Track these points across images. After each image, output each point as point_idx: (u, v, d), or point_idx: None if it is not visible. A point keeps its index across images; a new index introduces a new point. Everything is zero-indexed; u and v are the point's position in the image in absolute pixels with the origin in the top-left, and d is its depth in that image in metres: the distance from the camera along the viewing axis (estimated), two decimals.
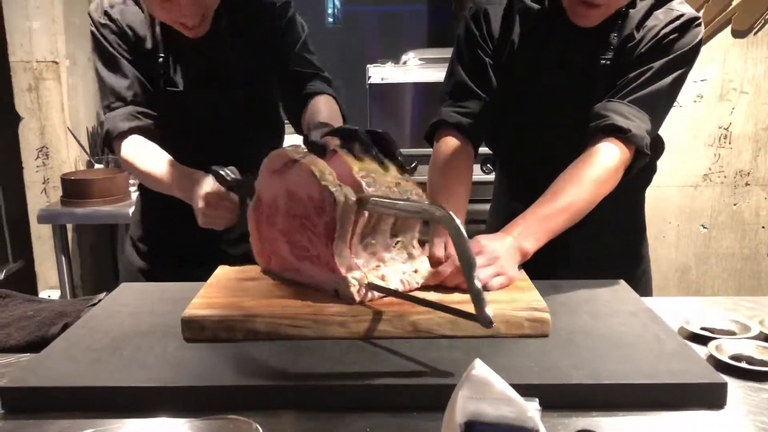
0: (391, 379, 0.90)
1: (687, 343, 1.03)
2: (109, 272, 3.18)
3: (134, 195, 2.70)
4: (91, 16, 1.49)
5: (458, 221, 0.90)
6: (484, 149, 1.54)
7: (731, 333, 1.10)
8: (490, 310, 0.90)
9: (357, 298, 1.05)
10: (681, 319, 1.14)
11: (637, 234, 1.52)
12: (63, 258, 2.70)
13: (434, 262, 1.14)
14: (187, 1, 1.34)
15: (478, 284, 0.90)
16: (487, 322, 0.91)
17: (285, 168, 1.12)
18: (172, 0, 1.33)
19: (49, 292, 2.80)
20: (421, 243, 1.17)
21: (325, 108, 1.43)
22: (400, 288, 1.08)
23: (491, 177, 1.63)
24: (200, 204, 1.27)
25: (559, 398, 0.87)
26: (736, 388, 0.93)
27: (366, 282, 1.05)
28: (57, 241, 2.70)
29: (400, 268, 1.12)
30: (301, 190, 1.08)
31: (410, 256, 1.14)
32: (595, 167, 1.23)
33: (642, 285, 1.45)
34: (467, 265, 0.89)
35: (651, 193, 1.53)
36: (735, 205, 2.71)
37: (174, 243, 1.59)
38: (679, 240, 2.73)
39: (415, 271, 1.12)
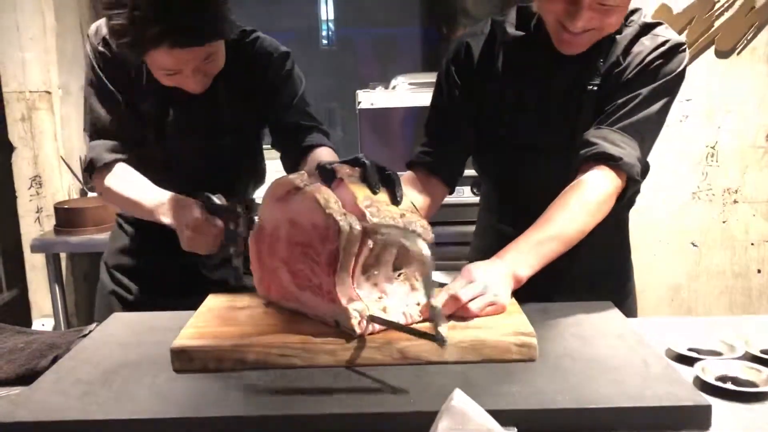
0: (378, 407, 0.91)
1: (673, 364, 1.04)
2: None
3: None
4: (89, 39, 1.48)
5: (424, 246, 1.01)
6: (469, 171, 1.56)
7: (717, 353, 1.11)
8: (444, 329, 0.96)
9: (358, 330, 1.03)
10: (668, 340, 1.15)
11: (622, 254, 1.54)
12: (56, 287, 2.70)
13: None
14: (194, 76, 1.36)
15: (435, 303, 0.98)
16: (441, 340, 0.95)
17: (288, 195, 1.11)
18: (179, 74, 1.35)
19: (43, 320, 2.79)
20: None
21: (327, 158, 1.42)
22: (402, 321, 1.07)
23: (476, 199, 1.65)
24: (185, 228, 1.29)
25: (545, 423, 0.88)
26: (722, 409, 0.93)
27: (367, 314, 1.04)
28: (50, 269, 2.70)
29: (403, 301, 1.10)
30: (305, 218, 1.07)
31: (413, 289, 1.13)
32: (587, 195, 1.24)
33: (627, 305, 1.46)
34: (428, 287, 1.02)
35: (641, 212, 1.55)
36: (724, 222, 2.73)
37: (154, 268, 1.60)
38: (669, 258, 2.74)
39: (417, 304, 1.11)
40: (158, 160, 1.50)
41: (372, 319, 1.05)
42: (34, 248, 2.65)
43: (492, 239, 1.52)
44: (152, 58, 1.32)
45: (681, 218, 2.71)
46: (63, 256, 2.86)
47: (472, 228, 1.68)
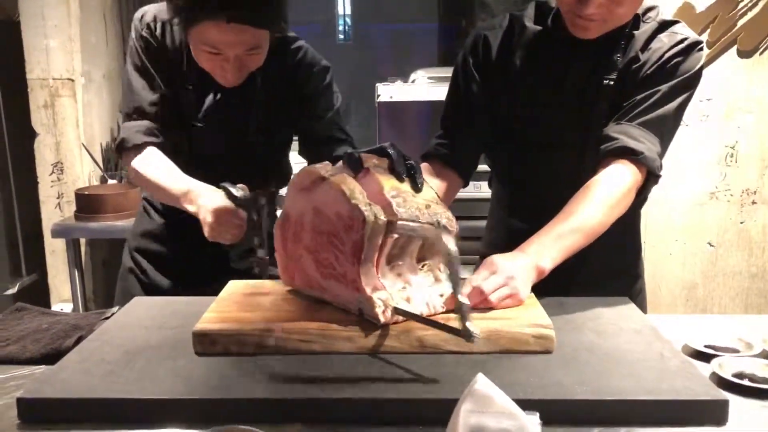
0: (396, 394, 0.92)
1: (690, 360, 1.04)
2: None
3: None
4: (134, 24, 1.51)
5: (451, 242, 0.99)
6: (486, 167, 1.57)
7: (735, 351, 1.12)
8: (472, 325, 0.94)
9: (382, 319, 1.04)
10: (685, 337, 1.15)
11: (633, 252, 1.54)
12: (76, 272, 2.73)
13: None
14: (233, 64, 1.38)
15: (463, 299, 0.96)
16: (468, 335, 0.95)
17: (313, 185, 1.12)
18: (220, 55, 1.37)
19: (62, 305, 2.83)
20: None
21: None
22: (425, 311, 1.08)
23: (486, 194, 1.65)
24: (209, 218, 1.31)
25: (563, 414, 0.88)
26: (738, 405, 0.94)
27: (391, 303, 1.05)
28: (70, 255, 2.73)
29: (426, 292, 1.11)
30: (330, 207, 1.08)
31: (436, 280, 1.13)
32: (608, 188, 1.25)
33: (638, 303, 1.46)
34: (455, 282, 0.99)
35: (657, 211, 1.55)
36: (742, 223, 2.71)
37: (176, 254, 1.62)
38: (686, 258, 2.73)
39: (441, 296, 1.12)
40: (188, 148, 1.52)
41: (396, 311, 1.05)
42: (55, 233, 2.69)
43: (503, 234, 1.53)
44: (200, 32, 1.35)
45: (698, 218, 2.70)
46: (82, 242, 2.89)
47: (480, 223, 1.68)
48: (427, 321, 1.04)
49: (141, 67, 1.50)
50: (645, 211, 1.43)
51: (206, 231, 1.32)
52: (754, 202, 2.69)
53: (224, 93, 1.49)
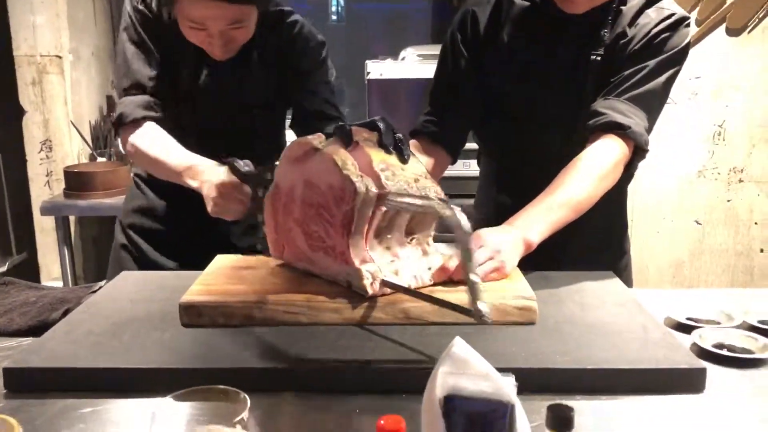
0: (381, 363, 0.93)
1: (671, 331, 1.06)
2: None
3: None
4: None
5: (464, 218, 0.95)
6: (475, 145, 1.58)
7: (716, 323, 1.13)
8: (483, 305, 0.93)
9: (370, 291, 1.05)
10: (668, 310, 1.17)
11: (619, 228, 1.55)
12: (65, 250, 2.73)
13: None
14: (219, 38, 1.37)
15: (475, 278, 0.93)
16: (479, 315, 0.94)
17: (305, 156, 1.11)
18: (204, 30, 1.36)
19: (52, 283, 2.83)
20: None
21: None
22: (413, 284, 1.09)
23: (475, 172, 1.66)
24: (213, 193, 1.28)
25: (545, 383, 0.90)
26: (718, 374, 0.96)
27: (380, 275, 1.06)
28: (60, 233, 2.73)
29: (414, 265, 1.12)
30: (321, 179, 1.08)
31: (424, 253, 1.14)
32: (596, 163, 1.26)
33: (624, 278, 1.48)
34: (468, 259, 0.94)
35: (645, 189, 1.55)
36: (729, 201, 2.73)
37: (169, 230, 1.61)
38: (673, 235, 2.75)
39: (429, 269, 1.12)
40: (185, 122, 1.51)
41: (384, 284, 1.06)
42: (44, 211, 2.68)
43: (491, 211, 1.54)
44: (184, 8, 1.34)
45: (686, 196, 2.72)
46: (72, 219, 2.89)
47: (468, 201, 1.69)
48: (438, 301, 1.04)
49: (138, 41, 1.47)
50: (633, 189, 1.45)
51: (209, 206, 1.30)
52: (741, 180, 2.71)
53: (219, 67, 1.48)
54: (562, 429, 0.56)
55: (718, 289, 1.28)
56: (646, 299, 1.18)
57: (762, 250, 2.75)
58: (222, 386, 0.56)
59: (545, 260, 1.23)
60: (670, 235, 2.74)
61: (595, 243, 1.46)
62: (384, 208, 1.06)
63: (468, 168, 2.31)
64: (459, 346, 0.59)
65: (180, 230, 1.60)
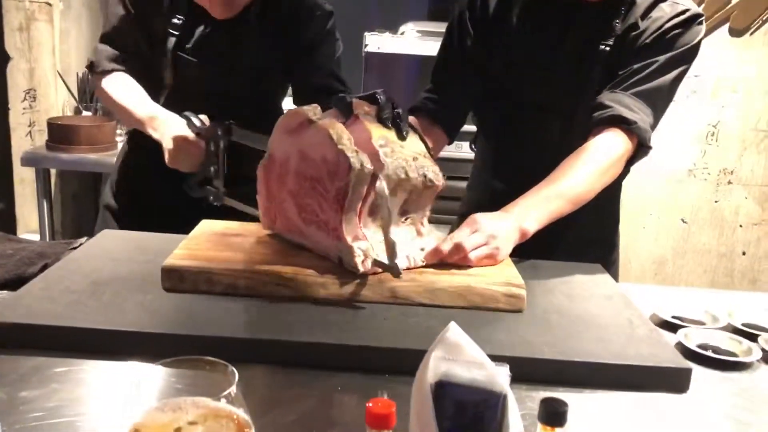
0: (365, 341, 0.92)
1: (657, 329, 1.05)
2: (90, 220, 3.15)
3: (121, 145, 2.68)
4: None
5: (382, 182, 1.01)
6: (470, 127, 1.55)
7: (701, 323, 1.13)
8: (401, 262, 1.01)
9: (361, 269, 1.03)
10: (654, 307, 1.16)
11: (612, 222, 1.54)
12: (45, 203, 2.67)
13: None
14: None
15: (393, 238, 1.00)
16: (396, 271, 1.00)
17: (300, 128, 1.08)
18: None
19: (29, 235, 2.77)
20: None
21: None
22: (405, 264, 1.07)
23: (467, 154, 1.64)
24: (169, 144, 1.33)
25: (529, 372, 0.89)
26: (701, 374, 0.95)
27: (371, 253, 1.04)
28: (40, 185, 2.67)
29: (407, 245, 1.10)
30: (316, 152, 1.05)
31: (418, 234, 1.12)
32: (598, 156, 1.24)
33: (612, 273, 1.47)
34: (386, 221, 1.01)
35: (635, 184, 1.55)
36: (716, 202, 2.74)
37: (142, 185, 1.61)
38: (658, 232, 2.76)
39: (422, 249, 1.10)
40: (170, 86, 1.49)
41: (376, 263, 1.04)
42: (24, 161, 2.62)
43: (484, 195, 1.52)
44: None
45: (674, 194, 2.72)
46: (53, 172, 2.83)
47: (461, 184, 1.67)
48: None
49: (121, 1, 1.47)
50: (623, 183, 1.44)
51: (166, 157, 1.35)
52: (730, 182, 2.72)
53: (216, 26, 1.44)
54: (555, 424, 0.55)
55: (703, 289, 1.28)
56: (631, 294, 1.18)
57: (744, 253, 2.78)
58: (210, 358, 0.54)
59: (536, 249, 1.22)
60: (655, 231, 2.75)
61: (588, 235, 1.45)
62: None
63: (460, 150, 2.29)
64: (453, 331, 0.58)
65: (164, 191, 1.56)
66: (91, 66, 1.52)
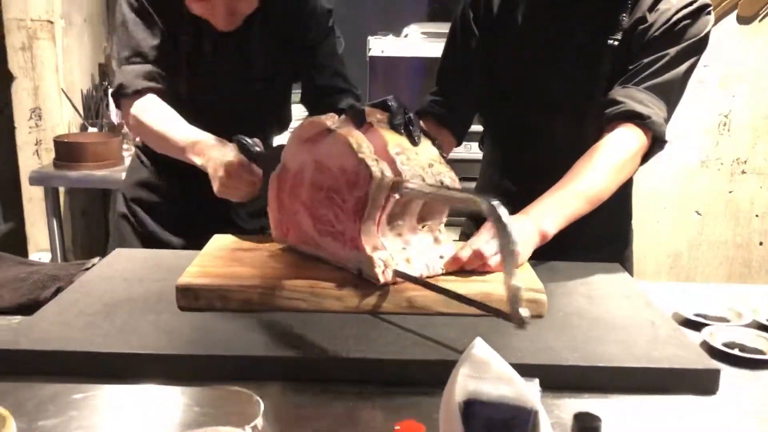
0: (384, 354, 0.90)
1: (680, 328, 1.03)
2: (100, 236, 3.16)
3: (128, 160, 2.68)
4: None
5: (504, 211, 0.85)
6: (479, 127, 1.54)
7: (725, 320, 1.11)
8: (525, 311, 0.86)
9: (382, 279, 1.01)
10: (674, 305, 1.14)
11: (624, 218, 1.52)
12: (54, 221, 2.67)
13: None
14: (223, 9, 1.32)
15: (518, 283, 0.85)
16: (520, 322, 0.86)
17: (318, 137, 1.06)
18: (208, 2, 1.31)
19: (40, 254, 2.77)
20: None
21: None
22: (425, 273, 1.05)
23: (476, 155, 1.62)
24: (220, 172, 1.21)
25: (553, 379, 0.87)
26: (728, 374, 0.93)
27: (391, 263, 1.02)
28: (49, 203, 2.67)
29: (426, 253, 1.08)
30: (333, 161, 1.03)
31: (436, 241, 1.10)
32: (614, 153, 1.22)
33: (627, 269, 1.45)
34: (509, 260, 0.84)
35: (646, 178, 1.52)
36: (730, 192, 2.71)
37: (174, 207, 1.56)
38: (672, 225, 2.73)
39: (441, 257, 1.08)
40: (185, 97, 1.44)
41: (397, 273, 1.02)
42: (33, 181, 2.62)
43: (493, 195, 1.50)
44: None
45: (687, 186, 2.69)
46: (61, 190, 2.83)
47: (470, 185, 1.65)
48: (469, 301, 0.99)
49: (138, 8, 1.40)
50: (634, 177, 1.42)
51: (216, 187, 1.23)
52: (743, 172, 2.69)
53: (222, 39, 1.42)
54: None
55: (723, 285, 1.26)
56: (649, 292, 1.16)
57: (761, 243, 2.74)
58: (234, 387, 0.53)
59: (549, 249, 1.19)
60: (669, 225, 2.72)
61: (601, 232, 1.43)
62: (397, 196, 1.01)
63: (469, 151, 2.28)
64: (479, 347, 0.56)
65: (183, 206, 1.55)
66: (120, 89, 1.40)
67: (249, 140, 1.21)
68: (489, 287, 1.04)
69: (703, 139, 2.66)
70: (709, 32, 1.30)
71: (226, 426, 0.50)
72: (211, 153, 1.25)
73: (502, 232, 0.85)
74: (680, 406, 0.86)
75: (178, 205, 1.56)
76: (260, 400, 0.52)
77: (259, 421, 0.48)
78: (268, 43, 1.47)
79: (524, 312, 0.85)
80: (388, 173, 0.99)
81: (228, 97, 1.48)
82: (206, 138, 1.30)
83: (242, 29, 1.41)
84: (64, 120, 2.85)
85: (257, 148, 1.20)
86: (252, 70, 1.47)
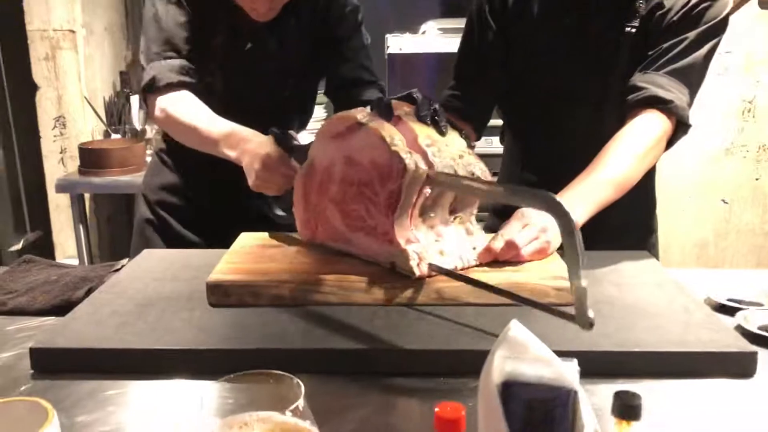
0: (417, 345, 0.90)
1: (714, 313, 1.02)
2: (125, 241, 3.19)
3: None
4: None
5: (568, 209, 0.81)
6: (498, 121, 1.53)
7: (758, 304, 1.09)
8: (591, 311, 0.81)
9: (417, 272, 1.01)
10: (706, 291, 1.13)
11: (647, 207, 1.51)
12: (81, 227, 2.71)
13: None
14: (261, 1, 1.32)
15: (584, 283, 0.80)
16: (587, 324, 0.81)
17: (348, 132, 1.06)
18: None
19: (67, 261, 2.81)
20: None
21: None
22: (459, 265, 1.05)
23: (499, 149, 1.61)
24: (257, 165, 1.19)
25: (587, 366, 0.85)
26: (764, 358, 0.92)
27: (425, 255, 1.02)
28: (75, 210, 2.70)
29: (460, 245, 1.08)
30: (365, 155, 1.03)
31: (468, 232, 1.10)
32: (638, 139, 1.22)
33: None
34: (575, 260, 0.80)
35: (671, 167, 1.51)
36: (757, 179, 2.68)
37: (210, 212, 1.55)
38: (698, 214, 2.70)
39: (473, 248, 1.08)
40: (220, 91, 1.43)
41: (431, 267, 1.02)
42: (59, 188, 2.66)
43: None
44: None
45: (712, 174, 2.66)
46: (87, 196, 2.86)
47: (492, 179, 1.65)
48: (526, 301, 0.97)
49: (174, 1, 1.38)
50: (657, 166, 1.41)
51: (251, 179, 1.21)
52: None
53: (258, 32, 1.41)
54: (631, 418, 0.53)
55: (754, 270, 1.24)
56: (679, 279, 1.14)
57: None
58: (275, 371, 0.53)
59: None
60: (695, 213, 2.69)
61: (624, 220, 1.42)
62: (429, 190, 1.01)
63: (490, 145, 2.27)
64: (516, 329, 0.56)
65: (209, 206, 1.56)
66: (152, 83, 1.36)
67: (284, 132, 1.20)
68: (522, 277, 1.04)
69: (727, 126, 2.63)
70: (728, 14, 1.28)
71: (269, 411, 0.50)
72: (247, 145, 1.23)
73: (566, 230, 0.81)
74: (717, 390, 0.85)
75: (204, 206, 1.57)
76: (300, 383, 0.52)
77: (300, 403, 0.48)
78: (300, 37, 1.47)
79: (591, 313, 0.81)
80: (422, 165, 0.99)
81: (262, 91, 1.48)
82: (241, 130, 1.27)
83: (278, 22, 1.40)
84: (88, 127, 2.89)
85: (295, 141, 1.18)
86: (288, 63, 1.47)
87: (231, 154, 1.26)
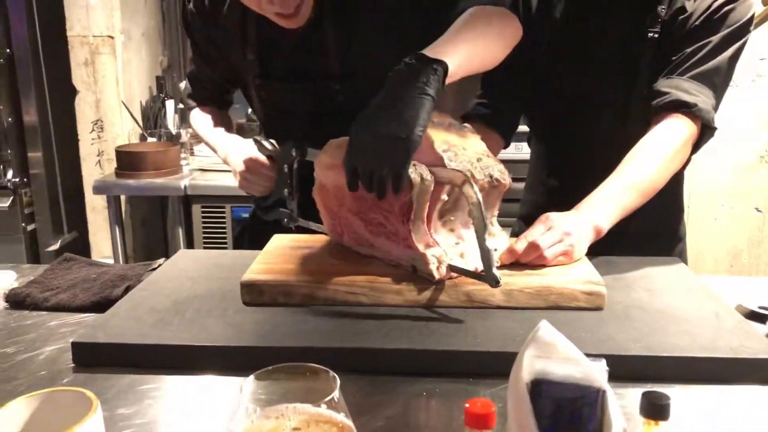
0: (445, 345, 0.91)
1: (745, 320, 1.02)
2: (160, 243, 3.26)
3: (186, 168, 2.76)
4: (184, 5, 1.50)
5: (475, 187, 0.97)
6: (526, 127, 1.54)
7: None
8: (497, 272, 0.97)
9: (436, 275, 1.03)
10: (737, 298, 1.13)
11: (675, 213, 1.50)
12: (117, 229, 2.77)
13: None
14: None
15: (488, 245, 0.97)
16: (494, 281, 0.97)
17: (342, 164, 1.06)
18: None
19: (104, 261, 2.87)
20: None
21: None
22: (480, 266, 1.05)
23: (527, 155, 1.61)
24: (240, 167, 1.33)
25: (616, 370, 0.86)
26: None
27: (445, 258, 1.04)
28: (111, 212, 2.77)
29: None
30: None
31: (489, 234, 1.12)
32: (664, 143, 1.22)
33: None
34: (480, 227, 0.97)
35: (703, 174, 1.50)
36: None
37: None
38: (731, 223, 2.66)
39: (495, 250, 1.08)
40: (266, 105, 1.48)
41: (451, 268, 1.04)
42: (96, 190, 2.72)
43: (541, 194, 1.50)
44: None
45: (745, 182, 2.62)
46: (123, 199, 2.93)
47: (518, 185, 1.63)
48: (465, 272, 1.04)
49: (194, 43, 1.53)
50: (690, 174, 1.40)
51: (237, 181, 1.35)
52: None
53: (292, 43, 1.39)
54: (658, 417, 0.54)
55: None
56: (712, 286, 1.14)
57: None
58: (311, 365, 0.55)
59: (598, 245, 1.19)
60: (727, 222, 2.65)
61: (651, 227, 1.41)
62: (447, 189, 1.03)
63: (520, 151, 2.27)
64: (545, 329, 0.57)
65: None
66: (188, 97, 1.61)
67: (265, 140, 1.32)
68: (547, 280, 1.04)
69: (760, 134, 2.59)
70: (751, 17, 1.28)
71: (305, 404, 0.52)
72: (234, 149, 1.37)
73: (473, 208, 0.98)
74: (746, 396, 0.85)
75: None
76: (336, 376, 0.53)
77: (335, 395, 0.50)
78: (338, 37, 1.39)
79: (497, 273, 0.98)
80: (428, 176, 1.00)
81: (306, 99, 1.44)
82: (232, 140, 1.43)
83: (309, 29, 1.36)
84: (125, 131, 2.96)
85: (270, 147, 1.30)
86: (323, 71, 1.41)
87: (223, 157, 1.42)
